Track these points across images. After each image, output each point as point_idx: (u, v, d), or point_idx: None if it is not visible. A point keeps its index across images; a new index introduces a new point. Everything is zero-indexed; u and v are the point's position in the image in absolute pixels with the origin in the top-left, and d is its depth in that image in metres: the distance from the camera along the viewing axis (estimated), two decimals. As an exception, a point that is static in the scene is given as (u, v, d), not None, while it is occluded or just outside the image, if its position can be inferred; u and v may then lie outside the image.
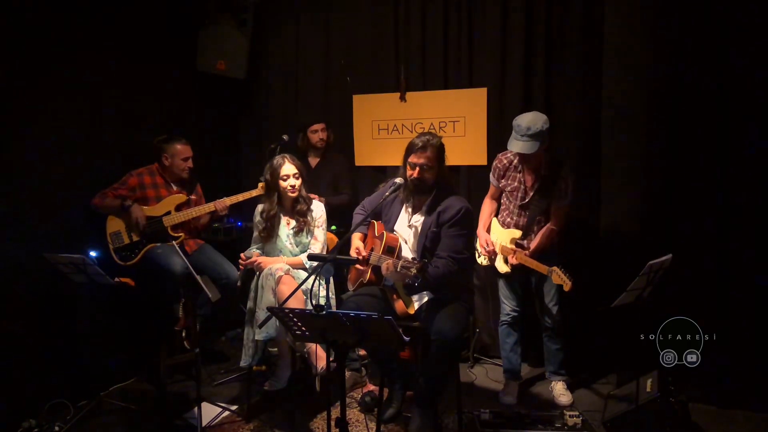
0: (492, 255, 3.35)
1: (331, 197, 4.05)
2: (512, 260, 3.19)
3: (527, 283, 3.40)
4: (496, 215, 3.46)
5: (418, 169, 2.84)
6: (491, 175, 3.43)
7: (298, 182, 3.33)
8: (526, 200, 3.25)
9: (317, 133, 4.17)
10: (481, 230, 3.43)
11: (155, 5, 4.07)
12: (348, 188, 4.23)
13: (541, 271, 3.11)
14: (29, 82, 3.26)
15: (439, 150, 2.87)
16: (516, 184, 3.29)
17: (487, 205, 3.48)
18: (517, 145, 3.08)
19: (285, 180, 3.31)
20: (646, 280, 2.64)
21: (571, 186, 3.16)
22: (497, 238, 3.35)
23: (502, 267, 3.31)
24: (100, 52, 3.65)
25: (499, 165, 3.36)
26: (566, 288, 2.99)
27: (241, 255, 3.35)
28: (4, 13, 3.12)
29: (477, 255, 3.49)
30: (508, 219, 3.35)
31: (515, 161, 3.29)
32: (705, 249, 3.37)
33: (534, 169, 3.22)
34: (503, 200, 3.41)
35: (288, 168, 3.32)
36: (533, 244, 3.22)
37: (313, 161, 4.25)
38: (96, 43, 3.62)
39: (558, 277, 3.03)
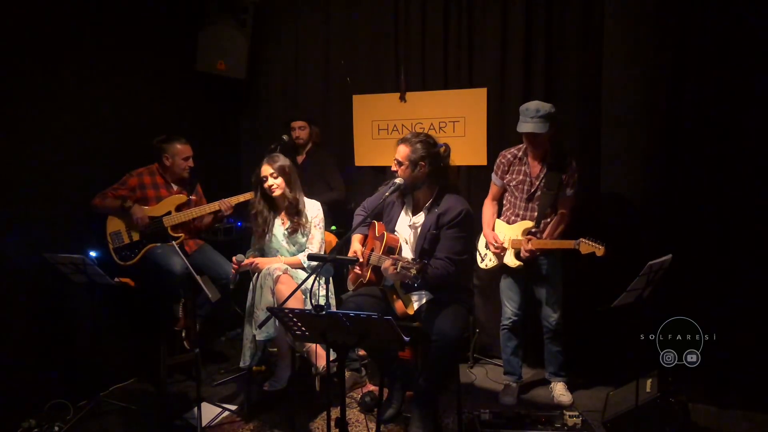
0: (501, 251, 3.32)
1: (323, 195, 4.04)
2: (529, 246, 3.14)
3: (529, 285, 3.39)
4: (498, 216, 3.45)
5: (393, 163, 2.90)
6: (494, 174, 3.42)
7: (276, 182, 3.31)
8: (533, 191, 3.25)
9: (295, 131, 4.22)
10: (487, 230, 3.41)
11: (155, 5, 4.07)
12: (338, 183, 4.24)
13: (567, 246, 3.09)
14: (29, 83, 3.26)
15: (414, 149, 2.82)
16: (521, 177, 3.28)
17: (489, 207, 3.47)
18: (527, 126, 3.10)
19: (264, 181, 3.32)
20: (646, 280, 2.63)
21: (576, 175, 3.19)
22: (505, 233, 3.33)
23: (512, 261, 3.28)
24: (100, 52, 3.65)
25: (503, 160, 3.36)
26: (599, 253, 2.96)
27: (233, 259, 3.29)
28: (3, 14, 3.12)
29: (480, 259, 3.48)
30: (513, 217, 3.34)
31: (520, 154, 3.30)
32: (705, 249, 3.37)
33: (540, 158, 3.23)
34: (507, 197, 3.40)
35: (264, 169, 3.32)
36: (547, 230, 3.22)
37: (300, 158, 4.27)
38: (96, 43, 3.62)
39: (588, 246, 3.00)
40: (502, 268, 3.38)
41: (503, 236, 3.33)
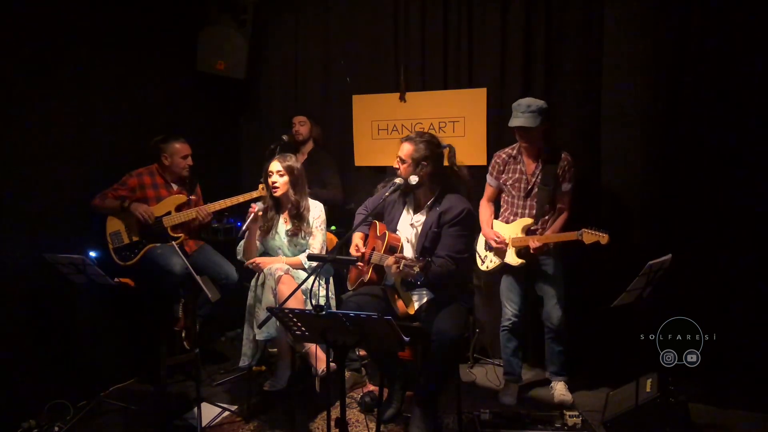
0: (504, 246, 3.31)
1: (319, 191, 4.04)
2: (535, 243, 3.14)
3: (530, 285, 3.39)
4: (496, 218, 3.45)
5: (396, 160, 2.91)
6: (489, 175, 3.43)
7: (281, 180, 3.30)
8: (530, 188, 3.26)
9: (295, 125, 4.24)
10: (486, 228, 3.40)
11: (155, 5, 4.07)
12: (334, 185, 4.23)
13: (570, 238, 3.09)
14: (29, 83, 3.26)
15: (418, 148, 2.86)
16: (517, 175, 3.30)
17: (486, 207, 3.47)
18: (517, 120, 3.13)
19: (269, 177, 3.33)
20: (645, 280, 2.64)
21: (572, 169, 3.21)
22: (505, 233, 3.32)
23: (514, 260, 3.27)
24: (100, 52, 3.65)
25: (498, 160, 3.38)
26: (603, 241, 2.96)
27: (252, 205, 3.21)
28: (4, 13, 3.12)
29: (480, 262, 3.47)
30: (511, 216, 3.35)
31: (514, 153, 3.32)
32: (705, 249, 3.37)
33: (535, 155, 3.26)
34: (504, 198, 3.41)
35: (272, 165, 3.32)
36: (551, 228, 3.22)
37: (301, 158, 4.26)
38: (96, 43, 3.62)
39: (591, 235, 3.01)
40: (503, 269, 3.38)
41: (503, 235, 3.33)
